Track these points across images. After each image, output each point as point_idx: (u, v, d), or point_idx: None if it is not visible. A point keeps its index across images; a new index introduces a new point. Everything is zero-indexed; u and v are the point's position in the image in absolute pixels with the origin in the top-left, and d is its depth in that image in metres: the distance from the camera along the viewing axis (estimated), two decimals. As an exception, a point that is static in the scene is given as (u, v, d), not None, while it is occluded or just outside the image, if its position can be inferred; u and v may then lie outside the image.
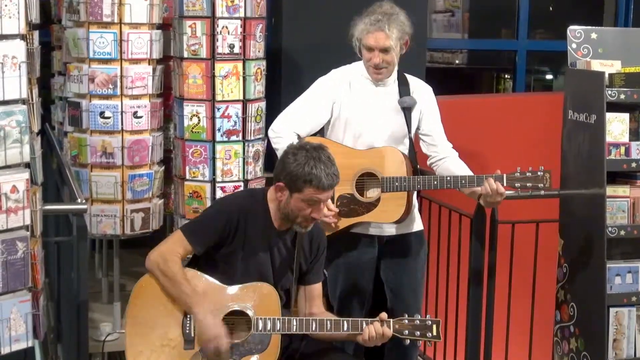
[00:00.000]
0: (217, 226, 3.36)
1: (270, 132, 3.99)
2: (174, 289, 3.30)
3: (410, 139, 3.96)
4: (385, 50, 3.81)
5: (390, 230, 3.94)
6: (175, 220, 4.96)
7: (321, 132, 4.04)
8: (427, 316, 3.32)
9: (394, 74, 3.96)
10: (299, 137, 3.89)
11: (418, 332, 3.28)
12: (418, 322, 3.28)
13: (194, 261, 3.47)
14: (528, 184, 3.72)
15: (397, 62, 3.91)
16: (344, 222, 3.85)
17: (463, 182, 3.77)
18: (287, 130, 3.91)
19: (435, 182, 3.78)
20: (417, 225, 4.03)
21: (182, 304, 3.31)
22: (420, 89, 4.01)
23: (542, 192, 3.78)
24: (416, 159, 3.98)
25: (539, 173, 3.71)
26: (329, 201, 3.75)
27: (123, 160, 4.80)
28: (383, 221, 3.89)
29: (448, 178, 3.79)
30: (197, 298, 3.29)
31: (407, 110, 3.94)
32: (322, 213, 3.36)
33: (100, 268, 5.71)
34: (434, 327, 3.28)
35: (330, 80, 3.97)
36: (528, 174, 3.72)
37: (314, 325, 3.30)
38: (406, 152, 3.94)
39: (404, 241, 3.99)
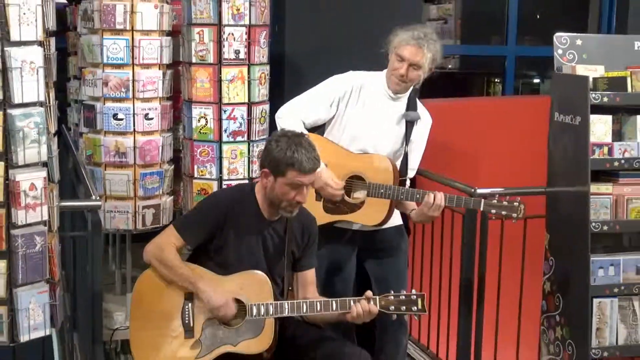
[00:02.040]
0: (206, 220, 3.37)
1: (278, 112, 3.98)
2: (174, 274, 3.32)
3: (405, 151, 3.96)
4: (414, 66, 3.78)
5: (369, 226, 3.95)
6: (184, 216, 4.97)
7: (321, 130, 4.04)
8: (412, 291, 3.33)
9: (408, 92, 3.94)
10: (303, 124, 3.90)
11: (404, 307, 3.30)
12: (403, 297, 3.31)
13: (191, 256, 3.47)
14: (503, 212, 3.69)
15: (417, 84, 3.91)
16: (328, 218, 3.85)
17: (450, 199, 3.75)
18: (292, 115, 3.91)
19: (418, 196, 3.75)
20: (396, 220, 4.01)
21: (184, 286, 3.32)
22: (423, 117, 4.00)
23: (514, 222, 3.78)
24: (406, 170, 3.97)
25: (514, 203, 3.68)
26: (335, 179, 3.75)
27: (135, 160, 4.80)
28: (364, 223, 3.90)
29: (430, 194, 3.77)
30: (196, 277, 3.31)
31: (409, 124, 3.93)
32: (305, 197, 3.34)
33: (114, 261, 5.72)
34: (419, 300, 3.30)
35: (344, 80, 3.95)
36: (504, 203, 3.69)
37: (304, 307, 3.31)
38: (399, 163, 3.94)
39: (384, 234, 3.99)
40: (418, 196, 3.75)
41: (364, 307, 3.27)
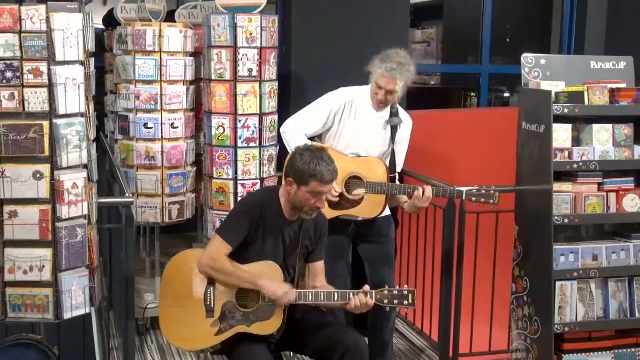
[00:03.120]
0: (244, 224, 3.31)
1: (282, 127, 4.00)
2: (234, 279, 3.27)
3: (392, 151, 3.97)
4: (390, 92, 3.82)
5: (364, 216, 3.95)
6: (204, 211, 4.96)
7: (318, 138, 4.04)
8: (405, 287, 3.29)
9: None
10: (305, 136, 3.91)
11: (396, 301, 3.25)
12: (396, 292, 3.26)
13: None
14: (481, 199, 3.77)
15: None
16: (333, 213, 3.85)
17: (437, 191, 3.78)
18: (295, 128, 3.93)
19: (409, 190, 3.78)
20: (385, 211, 4.02)
21: (246, 286, 3.27)
22: (405, 120, 4.02)
23: (491, 207, 3.80)
24: (395, 168, 3.98)
25: (490, 191, 3.76)
26: (335, 185, 3.75)
27: (162, 162, 4.80)
28: (364, 215, 3.90)
29: (419, 188, 3.79)
30: (255, 277, 3.27)
31: (393, 128, 3.95)
32: (324, 203, 3.33)
33: (144, 249, 5.72)
34: (410, 295, 3.25)
35: (337, 96, 3.97)
36: (482, 191, 3.76)
37: (310, 296, 3.28)
38: (387, 160, 3.95)
39: (375, 223, 4.00)
40: (409, 190, 3.78)
41: (361, 299, 3.23)
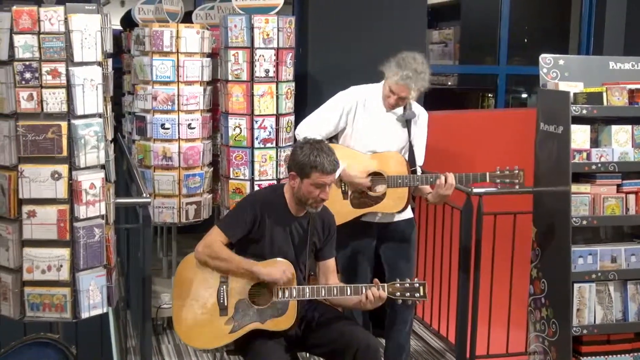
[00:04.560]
0: (245, 219, 3.34)
1: (297, 130, 3.98)
2: (229, 265, 3.30)
3: (410, 145, 3.94)
4: (402, 99, 3.81)
5: (386, 218, 3.93)
6: (221, 211, 4.97)
7: (335, 138, 4.03)
8: (415, 279, 3.32)
9: None
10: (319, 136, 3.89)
11: (408, 293, 3.30)
12: (407, 285, 3.30)
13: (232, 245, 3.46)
14: (506, 180, 3.72)
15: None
16: (357, 212, 3.83)
17: (460, 177, 3.75)
18: (310, 130, 3.91)
19: (431, 179, 3.76)
20: (407, 214, 4.00)
21: (241, 273, 3.30)
22: (419, 113, 3.99)
23: (518, 187, 3.76)
24: (415, 162, 3.95)
25: (515, 171, 3.72)
26: (359, 172, 3.75)
27: (179, 163, 4.82)
28: (388, 211, 3.86)
29: (442, 176, 3.76)
30: (250, 263, 3.30)
31: (408, 122, 3.93)
32: (328, 194, 3.33)
33: (161, 249, 5.74)
34: (421, 288, 3.29)
35: (349, 96, 3.95)
36: (506, 172, 3.72)
37: (323, 292, 3.31)
38: (407, 156, 3.93)
39: (397, 226, 3.97)
40: (432, 179, 3.74)
41: (374, 293, 3.27)
